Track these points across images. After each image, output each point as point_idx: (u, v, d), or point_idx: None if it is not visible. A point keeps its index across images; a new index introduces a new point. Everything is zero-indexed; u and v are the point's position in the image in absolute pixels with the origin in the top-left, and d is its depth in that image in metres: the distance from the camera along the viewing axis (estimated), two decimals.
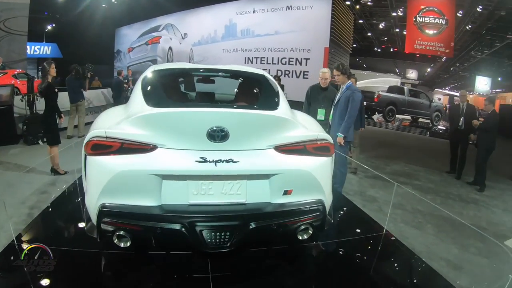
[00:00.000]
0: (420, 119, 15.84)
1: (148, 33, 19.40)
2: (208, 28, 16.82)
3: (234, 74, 3.09)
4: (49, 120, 4.80)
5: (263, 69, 14.19)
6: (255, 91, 2.74)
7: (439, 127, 15.51)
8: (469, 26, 17.85)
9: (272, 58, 14.86)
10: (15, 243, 2.27)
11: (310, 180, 2.12)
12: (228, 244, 1.94)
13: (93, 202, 1.95)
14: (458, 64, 28.13)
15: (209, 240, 1.92)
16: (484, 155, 5.81)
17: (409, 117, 16.07)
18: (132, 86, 9.66)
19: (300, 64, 14.22)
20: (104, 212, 1.91)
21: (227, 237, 1.94)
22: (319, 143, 2.18)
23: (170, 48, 18.07)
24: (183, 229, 1.89)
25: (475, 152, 6.03)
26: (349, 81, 4.22)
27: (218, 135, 1.91)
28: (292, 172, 2.08)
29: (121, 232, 1.95)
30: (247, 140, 2.02)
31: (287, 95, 3.76)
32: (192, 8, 17.50)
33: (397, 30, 22.17)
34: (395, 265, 2.72)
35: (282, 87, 7.03)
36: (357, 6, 18.09)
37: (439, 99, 26.21)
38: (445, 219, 4.14)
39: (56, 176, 4.79)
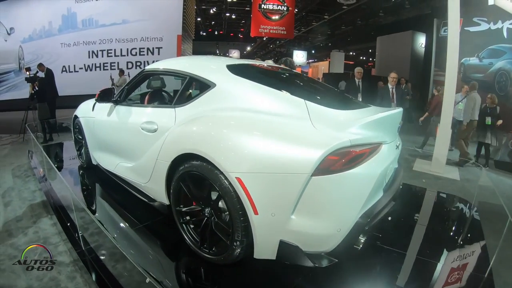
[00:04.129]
0: None
1: None
2: (41, 20, 13.55)
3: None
4: None
5: (111, 63, 13.81)
6: None
7: None
8: (296, 10, 20.76)
9: (121, 49, 13.41)
10: None
11: None
12: None
13: (347, 222, 1.91)
14: (277, 42, 32.09)
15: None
16: None
17: None
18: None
19: (152, 53, 13.43)
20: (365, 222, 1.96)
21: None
22: None
23: None
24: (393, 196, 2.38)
25: None
26: None
27: (399, 126, 2.58)
28: None
29: None
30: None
31: None
32: None
33: (228, 14, 23.62)
34: None
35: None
36: None
37: None
38: None
39: None
